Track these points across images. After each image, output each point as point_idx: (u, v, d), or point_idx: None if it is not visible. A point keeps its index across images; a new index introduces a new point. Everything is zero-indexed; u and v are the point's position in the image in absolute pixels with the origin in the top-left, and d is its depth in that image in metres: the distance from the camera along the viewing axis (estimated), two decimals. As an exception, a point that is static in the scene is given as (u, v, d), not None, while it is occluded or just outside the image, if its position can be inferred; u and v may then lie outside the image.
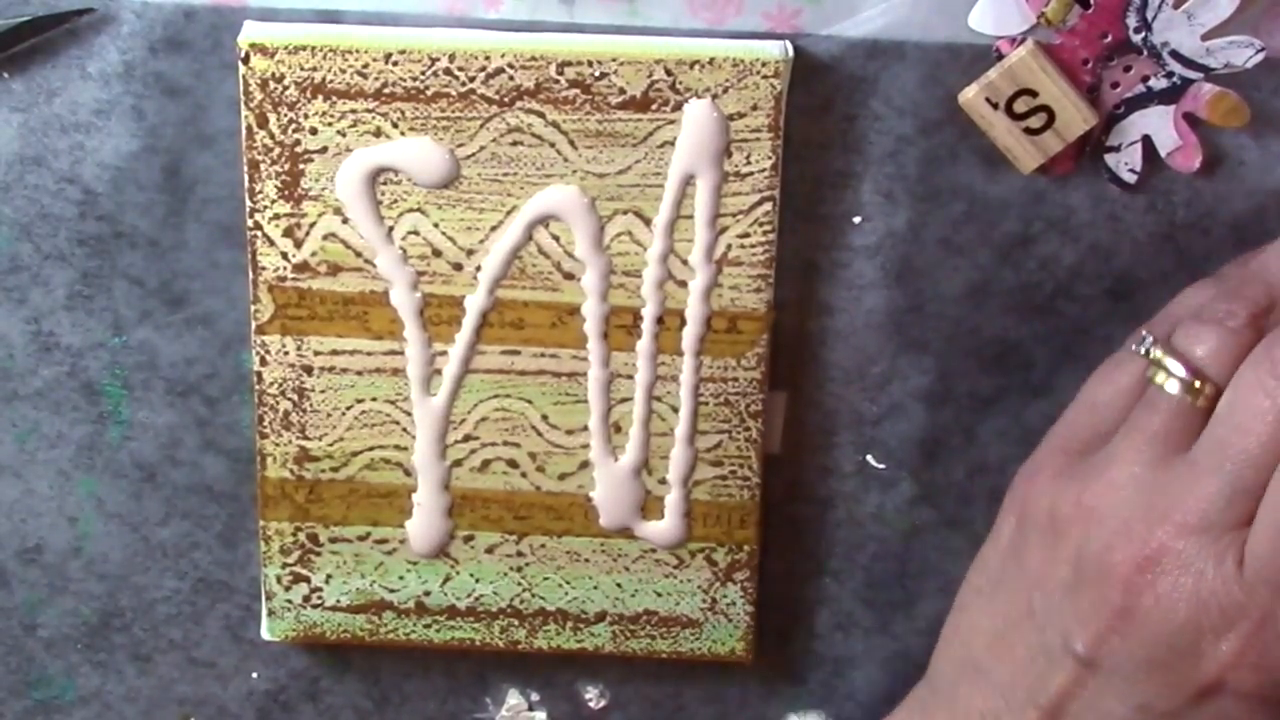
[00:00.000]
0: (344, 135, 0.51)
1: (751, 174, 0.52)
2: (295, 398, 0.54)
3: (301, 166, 0.52)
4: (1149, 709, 0.48)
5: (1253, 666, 0.46)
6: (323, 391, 0.54)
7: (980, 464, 0.56)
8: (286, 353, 0.54)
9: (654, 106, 0.51)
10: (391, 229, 0.52)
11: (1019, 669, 0.49)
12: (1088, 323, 0.54)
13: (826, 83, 0.52)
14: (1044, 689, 0.49)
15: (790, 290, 0.54)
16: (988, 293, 0.54)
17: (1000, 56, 0.51)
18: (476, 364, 0.54)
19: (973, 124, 0.52)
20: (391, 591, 0.56)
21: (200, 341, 0.56)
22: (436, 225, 0.52)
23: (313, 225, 0.52)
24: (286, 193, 0.52)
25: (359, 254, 0.53)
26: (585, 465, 0.55)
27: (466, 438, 0.54)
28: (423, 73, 0.51)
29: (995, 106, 0.51)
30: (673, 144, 0.51)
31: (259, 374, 0.54)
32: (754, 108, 0.51)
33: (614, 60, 0.51)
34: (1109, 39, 0.51)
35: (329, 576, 0.56)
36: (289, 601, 0.56)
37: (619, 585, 0.56)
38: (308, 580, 0.56)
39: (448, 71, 0.51)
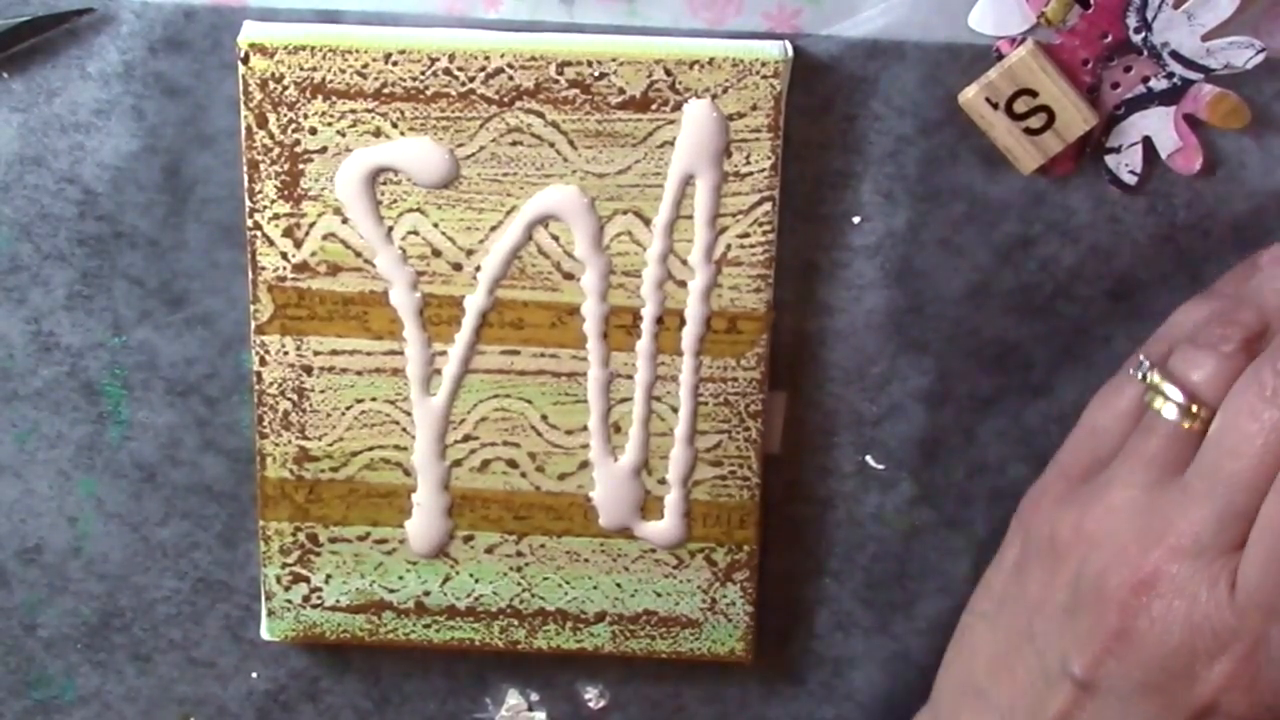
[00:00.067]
0: (344, 135, 0.51)
1: (751, 174, 0.52)
2: (295, 398, 0.54)
3: (301, 166, 0.52)
4: None
5: (1245, 690, 0.47)
6: (322, 391, 0.54)
7: (980, 464, 0.56)
8: (286, 353, 0.54)
9: (654, 106, 0.51)
10: (391, 229, 0.52)
11: (1019, 692, 0.50)
12: (1088, 324, 0.54)
13: (826, 83, 0.52)
14: (1043, 711, 0.49)
15: (790, 290, 0.54)
16: (988, 293, 0.54)
17: (1000, 56, 0.51)
18: (476, 364, 0.54)
19: (973, 124, 0.52)
20: (391, 591, 0.56)
21: (200, 341, 0.56)
22: (436, 225, 0.52)
23: (312, 225, 0.52)
24: (286, 193, 0.52)
25: (359, 254, 0.53)
26: (585, 465, 0.55)
27: (466, 438, 0.54)
28: (422, 73, 0.51)
29: (995, 107, 0.51)
30: (672, 144, 0.51)
31: (259, 374, 0.54)
32: (754, 108, 0.51)
33: (614, 60, 0.51)
34: (1109, 39, 0.51)
35: (329, 576, 0.56)
36: (289, 601, 0.56)
37: (619, 585, 0.56)
38: (307, 580, 0.56)
39: (447, 71, 0.51)
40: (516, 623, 0.56)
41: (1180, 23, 0.51)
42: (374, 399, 0.54)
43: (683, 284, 0.53)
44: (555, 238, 0.52)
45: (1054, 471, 0.52)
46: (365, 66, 0.51)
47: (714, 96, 0.51)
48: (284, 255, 0.53)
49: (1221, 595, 0.46)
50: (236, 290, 0.55)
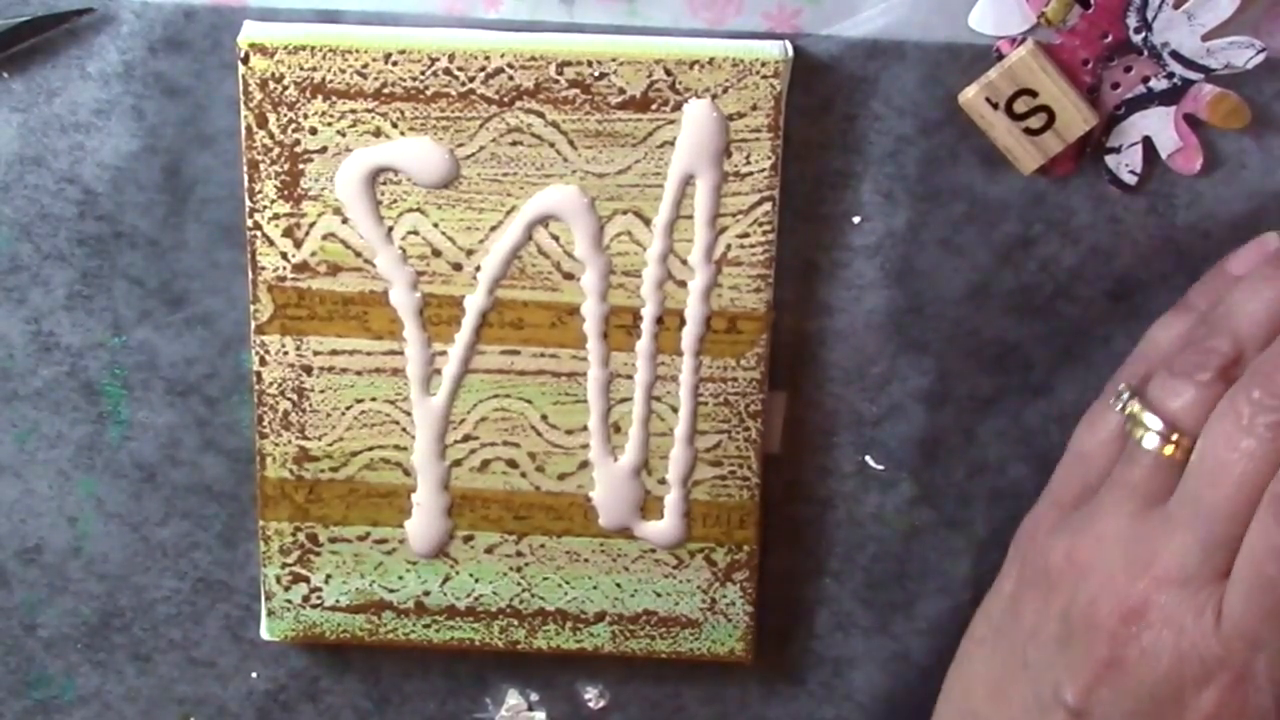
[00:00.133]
0: (344, 135, 0.51)
1: (751, 174, 0.52)
2: (295, 398, 0.54)
3: (301, 166, 0.52)
4: None
5: (1234, 718, 0.47)
6: (322, 391, 0.54)
7: (980, 464, 0.56)
8: (286, 353, 0.54)
9: (654, 106, 0.51)
10: (391, 229, 0.52)
11: (1015, 718, 0.50)
12: (1087, 324, 0.54)
13: (826, 83, 0.52)
14: None
15: (790, 290, 0.54)
16: (988, 293, 0.54)
17: (1000, 56, 0.51)
18: (476, 364, 0.54)
19: (973, 124, 0.52)
20: (391, 591, 0.56)
21: (200, 341, 0.56)
22: (436, 225, 0.52)
23: (312, 225, 0.52)
24: (286, 193, 0.52)
25: (359, 254, 0.53)
26: (585, 465, 0.55)
27: (466, 438, 0.54)
28: (422, 73, 0.51)
29: (995, 106, 0.51)
30: (672, 144, 0.51)
31: (259, 374, 0.54)
32: (754, 108, 0.51)
33: (614, 60, 0.51)
34: (1109, 39, 0.51)
35: (329, 576, 0.56)
36: (289, 601, 0.56)
37: (618, 585, 0.56)
38: (307, 580, 0.56)
39: (447, 71, 0.51)
40: (516, 623, 0.56)
41: (1180, 23, 0.51)
42: (374, 399, 0.54)
43: (683, 284, 0.53)
44: (555, 238, 0.52)
45: (1046, 500, 0.52)
46: (365, 66, 0.51)
47: (714, 96, 0.51)
48: (284, 255, 0.53)
49: (1208, 624, 0.47)
50: (236, 290, 0.55)
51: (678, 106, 0.51)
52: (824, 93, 0.52)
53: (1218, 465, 0.47)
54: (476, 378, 0.54)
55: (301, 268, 0.53)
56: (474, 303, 0.53)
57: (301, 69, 0.51)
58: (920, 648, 0.58)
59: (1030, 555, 0.51)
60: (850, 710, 0.59)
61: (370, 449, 0.54)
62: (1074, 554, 0.49)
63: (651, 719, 0.59)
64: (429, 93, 0.51)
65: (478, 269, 0.53)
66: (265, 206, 0.52)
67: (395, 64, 0.51)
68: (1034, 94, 0.51)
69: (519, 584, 0.56)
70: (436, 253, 0.53)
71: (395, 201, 0.52)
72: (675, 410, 0.54)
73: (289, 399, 0.54)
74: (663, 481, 0.55)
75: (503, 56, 0.51)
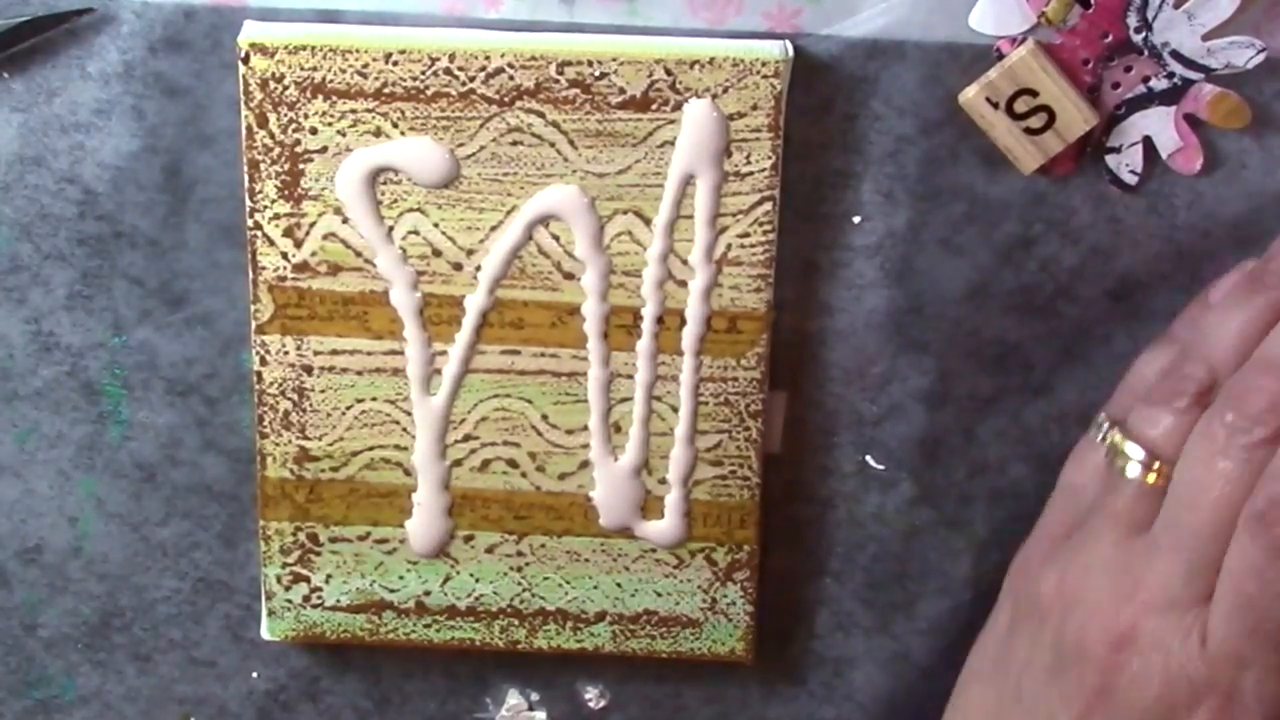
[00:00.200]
0: (344, 135, 0.51)
1: (751, 174, 0.52)
2: (295, 398, 0.54)
3: (301, 166, 0.52)
4: None
5: None
6: (323, 391, 0.54)
7: (980, 464, 0.56)
8: (286, 353, 0.54)
9: (654, 106, 0.51)
10: (391, 229, 0.52)
11: None
12: (1088, 324, 0.54)
13: (826, 83, 0.52)
14: None
15: (790, 290, 0.54)
16: (988, 293, 0.54)
17: (1000, 56, 0.51)
18: (476, 364, 0.54)
19: (973, 124, 0.52)
20: (391, 591, 0.56)
21: (200, 341, 0.56)
22: (436, 225, 0.52)
23: (313, 225, 0.52)
24: (286, 193, 0.52)
25: (359, 254, 0.53)
26: (585, 465, 0.55)
27: (466, 437, 0.54)
28: (423, 73, 0.51)
29: (995, 106, 0.51)
30: (673, 144, 0.51)
31: (259, 374, 0.54)
32: (754, 107, 0.51)
33: (614, 60, 0.51)
34: (1109, 39, 0.51)
35: (329, 576, 0.56)
36: (289, 601, 0.56)
37: (619, 585, 0.56)
38: (307, 580, 0.56)
39: (448, 71, 0.51)
40: (517, 622, 0.56)
41: (1181, 22, 0.51)
42: (374, 399, 0.54)
43: (683, 284, 0.53)
44: (555, 237, 0.52)
45: (1038, 534, 0.53)
46: (365, 66, 0.51)
47: (714, 96, 0.51)
48: (284, 255, 0.53)
49: (1194, 647, 0.47)
50: (237, 290, 0.55)
51: (678, 106, 0.51)
52: (824, 93, 0.52)
53: (1196, 489, 0.47)
54: (477, 377, 0.54)
55: (302, 268, 0.53)
56: (474, 302, 0.53)
57: (302, 69, 0.51)
58: (921, 648, 0.58)
59: (1023, 588, 0.52)
60: (850, 710, 0.59)
61: (371, 449, 0.54)
62: (1063, 584, 0.50)
63: (652, 719, 0.59)
64: (429, 93, 0.51)
65: (478, 269, 0.53)
66: (266, 206, 0.52)
67: (395, 64, 0.51)
68: (1034, 94, 0.51)
69: (519, 584, 0.56)
70: (437, 252, 0.53)
71: (395, 201, 0.52)
72: (676, 410, 0.54)
73: (289, 399, 0.54)
74: (663, 481, 0.55)
75: (503, 56, 0.51)
